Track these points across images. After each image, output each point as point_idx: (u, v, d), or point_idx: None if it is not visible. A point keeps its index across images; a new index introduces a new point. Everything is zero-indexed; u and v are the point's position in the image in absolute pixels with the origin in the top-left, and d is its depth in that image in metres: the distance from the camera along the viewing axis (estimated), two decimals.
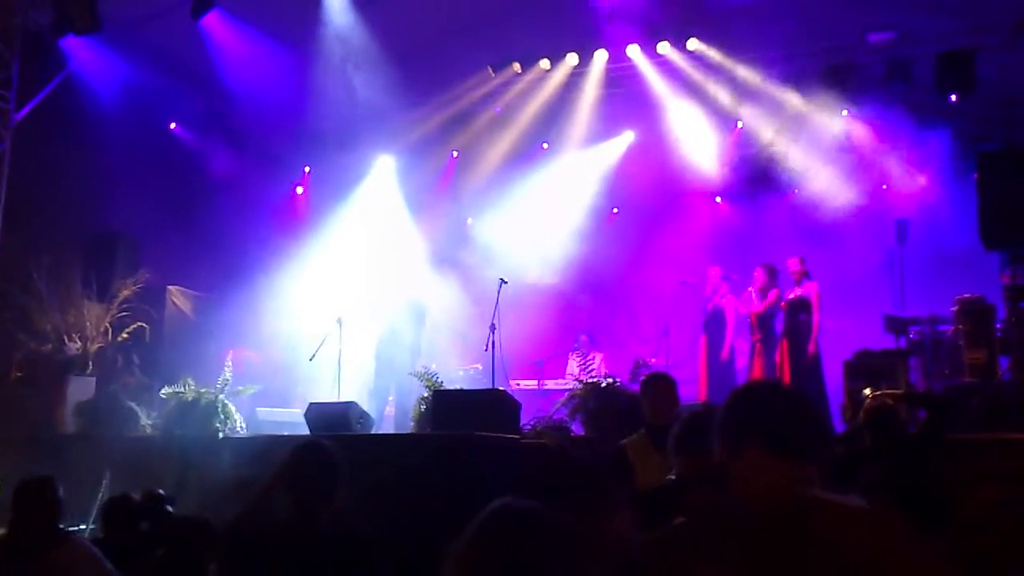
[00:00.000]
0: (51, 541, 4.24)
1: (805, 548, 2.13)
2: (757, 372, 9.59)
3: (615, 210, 13.24)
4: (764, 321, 9.79)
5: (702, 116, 12.24)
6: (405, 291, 9.99)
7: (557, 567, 2.04)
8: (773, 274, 9.85)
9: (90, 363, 9.76)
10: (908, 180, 11.19)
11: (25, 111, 10.42)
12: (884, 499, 3.15)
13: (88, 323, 9.92)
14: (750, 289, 9.87)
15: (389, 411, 9.54)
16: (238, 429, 8.31)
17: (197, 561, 4.11)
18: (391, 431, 9.06)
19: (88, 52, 10.88)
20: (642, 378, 5.24)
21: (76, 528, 6.78)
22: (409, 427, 8.57)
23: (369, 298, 10.06)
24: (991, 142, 9.66)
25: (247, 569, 3.44)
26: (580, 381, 7.55)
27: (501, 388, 8.25)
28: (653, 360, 9.82)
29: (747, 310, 9.89)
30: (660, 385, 4.98)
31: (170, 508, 4.95)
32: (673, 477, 2.65)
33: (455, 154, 13.59)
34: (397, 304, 9.81)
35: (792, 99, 11.63)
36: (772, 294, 9.77)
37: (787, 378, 9.09)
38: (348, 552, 3.41)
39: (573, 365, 10.95)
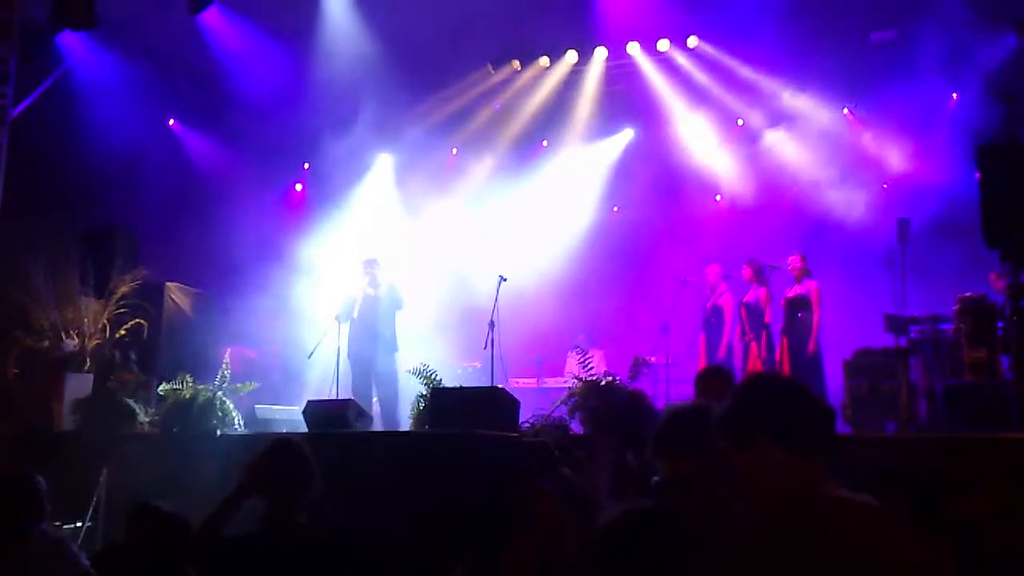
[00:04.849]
0: (19, 533, 4.28)
1: (814, 546, 2.07)
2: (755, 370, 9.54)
3: (615, 208, 13.18)
4: (753, 317, 9.79)
5: (702, 113, 12.21)
6: (376, 281, 9.61)
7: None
8: (760, 271, 9.86)
9: (88, 360, 9.69)
10: (910, 178, 11.13)
11: (22, 107, 10.35)
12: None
13: (86, 320, 9.86)
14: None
15: (377, 410, 9.38)
16: (236, 427, 8.26)
17: (174, 560, 4.07)
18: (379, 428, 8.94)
19: (85, 48, 10.85)
20: (697, 373, 5.23)
21: (72, 525, 6.75)
22: (401, 422, 8.52)
23: (344, 291, 9.68)
24: (994, 138, 9.56)
25: (225, 570, 3.42)
26: (579, 379, 7.48)
27: (500, 386, 8.19)
28: (653, 358, 9.78)
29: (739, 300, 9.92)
30: (713, 380, 4.95)
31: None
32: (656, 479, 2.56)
33: (454, 151, 13.54)
34: (368, 295, 9.52)
35: (793, 96, 11.62)
36: (760, 292, 9.81)
37: None
38: (324, 541, 3.41)
39: (572, 363, 10.87)
